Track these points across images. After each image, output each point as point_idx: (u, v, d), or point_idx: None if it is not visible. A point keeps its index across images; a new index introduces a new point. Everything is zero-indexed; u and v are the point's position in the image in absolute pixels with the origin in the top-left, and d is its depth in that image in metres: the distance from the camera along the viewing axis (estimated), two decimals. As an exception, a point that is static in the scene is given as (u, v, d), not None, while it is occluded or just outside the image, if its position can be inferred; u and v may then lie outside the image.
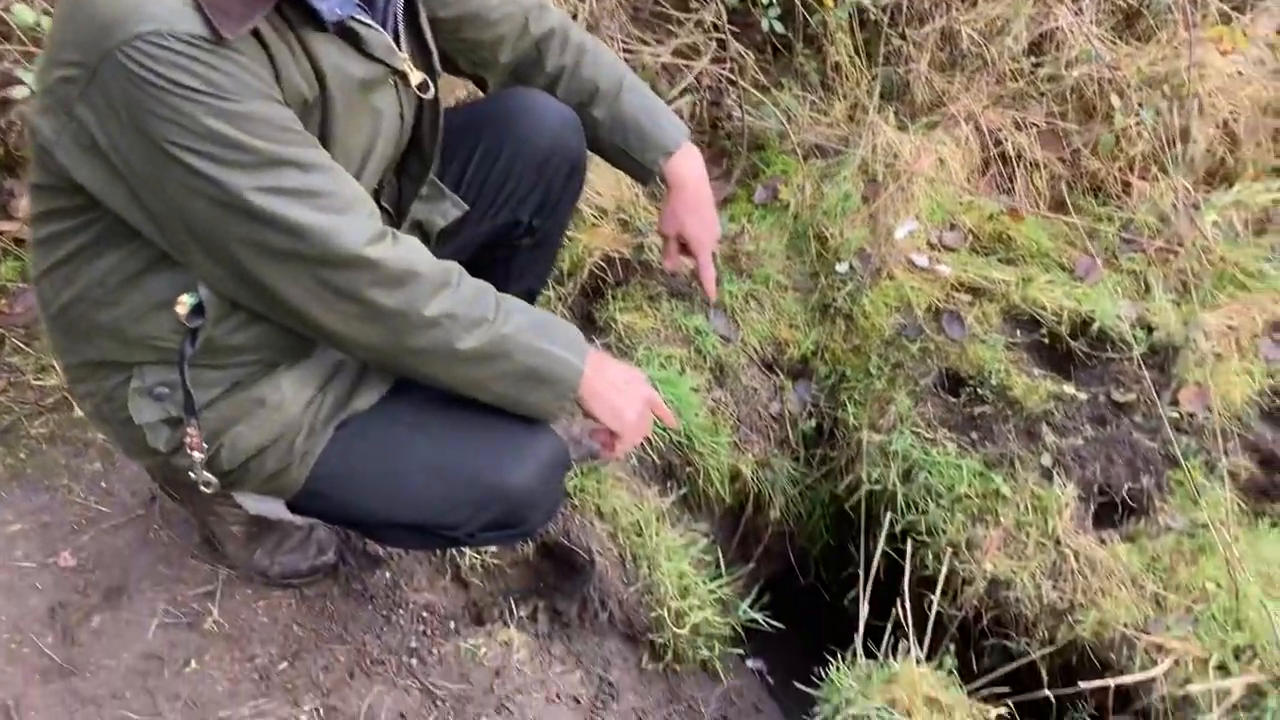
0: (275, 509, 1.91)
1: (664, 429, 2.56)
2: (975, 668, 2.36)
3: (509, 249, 2.02)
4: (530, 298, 2.18)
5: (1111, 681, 1.98)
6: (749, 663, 2.92)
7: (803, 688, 2.15)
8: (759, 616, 2.48)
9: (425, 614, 2.12)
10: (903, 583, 2.48)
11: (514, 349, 1.57)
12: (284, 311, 1.46)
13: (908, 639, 2.07)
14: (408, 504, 1.68)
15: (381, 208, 1.69)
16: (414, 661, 2.03)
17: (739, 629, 2.55)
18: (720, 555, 2.67)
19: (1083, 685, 1.98)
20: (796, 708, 2.40)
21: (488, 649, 2.08)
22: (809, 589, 2.94)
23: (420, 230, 1.80)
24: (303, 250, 1.37)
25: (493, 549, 2.23)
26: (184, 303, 1.47)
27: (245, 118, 1.29)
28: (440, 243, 1.88)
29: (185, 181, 1.30)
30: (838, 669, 2.06)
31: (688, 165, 2.09)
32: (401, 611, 2.11)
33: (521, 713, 1.98)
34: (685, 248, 2.23)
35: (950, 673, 2.13)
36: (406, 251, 1.47)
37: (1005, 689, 2.18)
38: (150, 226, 1.39)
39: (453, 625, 2.12)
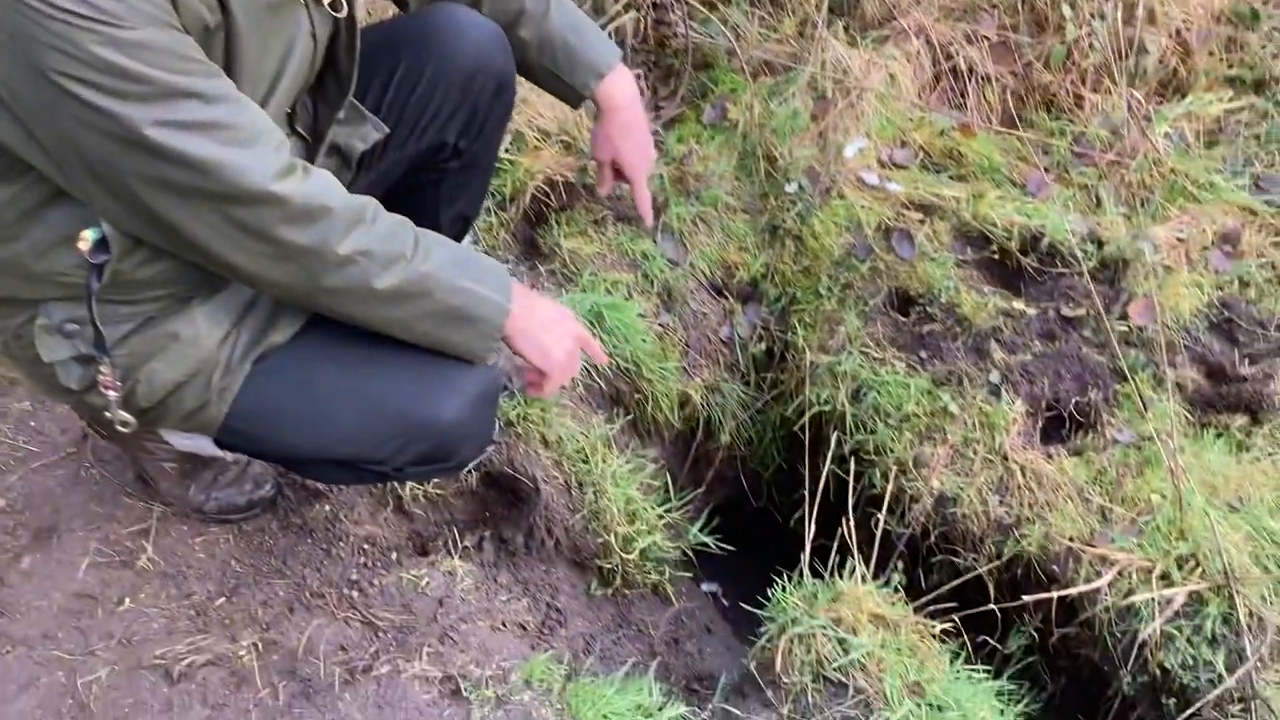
0: (204, 445, 1.87)
1: (611, 355, 2.52)
2: (924, 584, 2.37)
3: (437, 172, 1.96)
4: (465, 223, 2.13)
5: (1054, 594, 1.99)
6: (703, 586, 2.93)
7: (752, 610, 2.16)
8: (709, 540, 2.47)
9: (366, 546, 2.09)
10: (844, 502, 2.48)
11: (435, 287, 1.52)
12: (190, 249, 1.39)
13: (854, 558, 2.07)
14: (333, 439, 1.64)
15: (296, 133, 1.62)
16: (355, 593, 2.00)
17: (691, 553, 2.55)
18: (670, 480, 2.65)
19: (1026, 599, 1.99)
20: (749, 628, 2.41)
21: (431, 579, 2.05)
22: (762, 512, 2.94)
23: (340, 155, 1.73)
24: (206, 187, 1.30)
25: (435, 480, 2.20)
26: (86, 238, 1.39)
27: (139, 46, 1.20)
28: (363, 168, 1.82)
29: (78, 115, 1.22)
30: (783, 589, 2.05)
31: (620, 87, 2.02)
32: (342, 544, 2.08)
33: (465, 641, 1.96)
34: (621, 173, 2.17)
35: (897, 589, 2.13)
36: (318, 186, 1.40)
37: (953, 605, 2.19)
38: (45, 162, 1.31)
39: (395, 556, 2.09)
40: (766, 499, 2.90)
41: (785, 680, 1.93)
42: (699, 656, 2.37)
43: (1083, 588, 2.03)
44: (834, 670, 1.91)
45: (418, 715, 1.76)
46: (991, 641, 2.16)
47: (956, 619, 2.06)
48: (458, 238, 2.12)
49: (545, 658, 1.91)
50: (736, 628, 2.89)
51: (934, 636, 2.01)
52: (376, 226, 1.47)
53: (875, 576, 2.17)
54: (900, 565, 2.31)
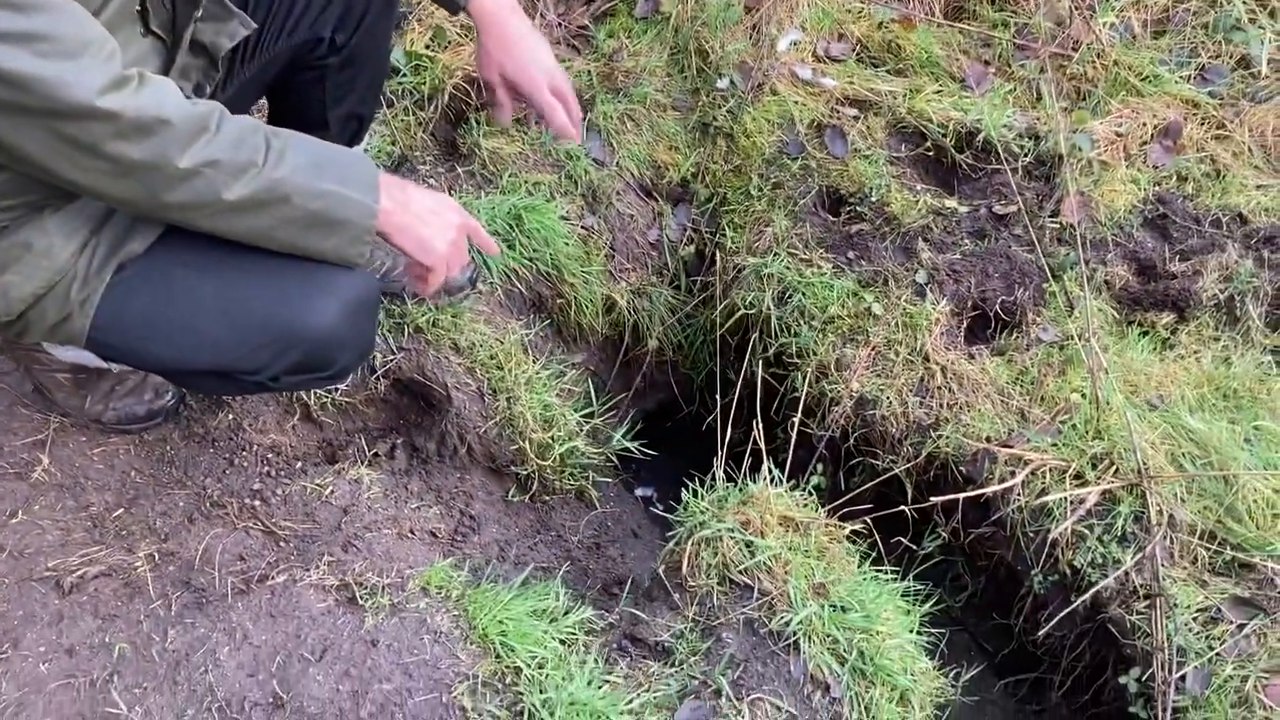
0: (88, 357, 1.82)
1: (531, 259, 2.46)
2: (845, 487, 2.35)
3: (317, 70, 1.87)
4: (359, 122, 2.05)
5: (962, 495, 1.97)
6: (637, 491, 2.92)
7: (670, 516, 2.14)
8: (632, 446, 2.44)
9: (271, 455, 2.06)
10: (769, 406, 2.45)
11: (292, 193, 1.44)
12: (29, 165, 1.31)
13: (766, 461, 2.04)
14: (199, 350, 1.57)
15: (152, 33, 1.53)
16: (257, 503, 1.97)
17: (623, 459, 2.53)
18: (594, 386, 2.62)
19: (935, 499, 1.97)
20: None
21: (336, 488, 2.03)
22: (695, 417, 2.91)
23: (205, 55, 1.64)
24: (28, 103, 1.22)
25: (340, 388, 2.15)
26: None
27: None
28: (234, 68, 1.73)
29: None
30: (694, 493, 2.03)
31: None
32: (245, 454, 2.05)
33: (369, 549, 1.94)
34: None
35: (815, 491, 2.12)
36: (153, 98, 1.31)
37: (871, 507, 2.18)
38: None
39: (300, 466, 2.06)
40: (698, 404, 2.88)
41: (692, 583, 1.92)
42: (620, 560, 2.36)
43: (993, 488, 2.01)
44: (739, 573, 1.89)
45: (310, 623, 1.74)
46: (905, 542, 2.15)
47: (869, 520, 2.04)
48: (352, 138, 2.04)
49: (445, 564, 1.89)
50: (664, 530, 2.89)
51: (844, 539, 1.99)
52: (222, 134, 1.38)
53: (795, 480, 2.16)
54: (821, 468, 2.29)
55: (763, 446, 2.04)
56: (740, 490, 2.02)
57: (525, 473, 2.24)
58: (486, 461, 2.22)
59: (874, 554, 2.04)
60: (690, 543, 1.94)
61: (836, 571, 1.92)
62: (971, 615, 2.35)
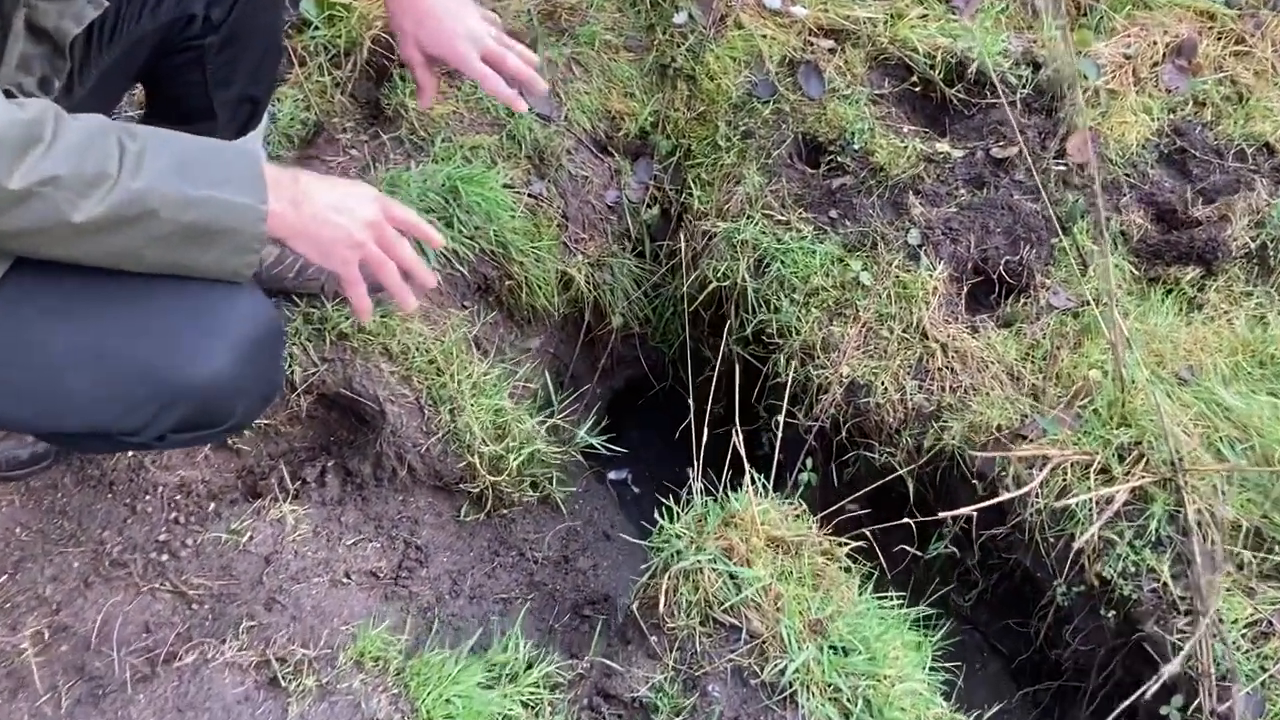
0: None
1: (473, 237, 2.17)
2: (836, 482, 2.11)
3: (193, 51, 1.55)
4: (254, 105, 1.73)
5: (973, 509, 1.72)
6: (610, 475, 2.66)
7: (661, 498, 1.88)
8: (596, 442, 2.17)
9: (179, 498, 1.79)
10: (750, 392, 2.19)
11: (159, 205, 1.16)
12: None
13: (749, 471, 1.78)
14: (67, 409, 1.30)
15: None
16: (164, 558, 1.71)
17: (582, 452, 2.27)
18: (554, 371, 2.35)
19: (944, 514, 1.72)
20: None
21: (256, 531, 1.76)
22: (669, 391, 2.65)
23: (49, 40, 1.32)
24: None
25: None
26: None
27: None
28: (91, 54, 1.42)
29: None
30: (668, 517, 1.77)
31: None
32: (149, 498, 1.77)
33: (297, 604, 1.68)
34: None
35: (806, 488, 1.87)
36: None
37: (866, 509, 1.93)
38: None
39: (213, 508, 1.79)
40: (670, 378, 2.61)
41: (670, 624, 1.67)
42: (593, 574, 2.11)
43: (1008, 495, 1.76)
44: (724, 611, 1.65)
45: (224, 715, 1.48)
46: (911, 550, 1.91)
47: (869, 533, 1.79)
48: (245, 125, 1.73)
49: (382, 629, 1.63)
50: (646, 518, 2.65)
51: (839, 559, 1.75)
52: (60, 143, 1.10)
53: (779, 480, 1.91)
54: (810, 463, 2.04)
55: (743, 453, 1.78)
56: (721, 508, 1.77)
57: (477, 490, 1.97)
58: (432, 480, 1.96)
59: (874, 570, 1.80)
60: (667, 576, 1.69)
61: (834, 601, 1.67)
62: (983, 613, 2.12)
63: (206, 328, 1.30)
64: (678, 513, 1.78)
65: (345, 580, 1.77)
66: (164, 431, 1.33)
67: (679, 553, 1.71)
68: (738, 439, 1.78)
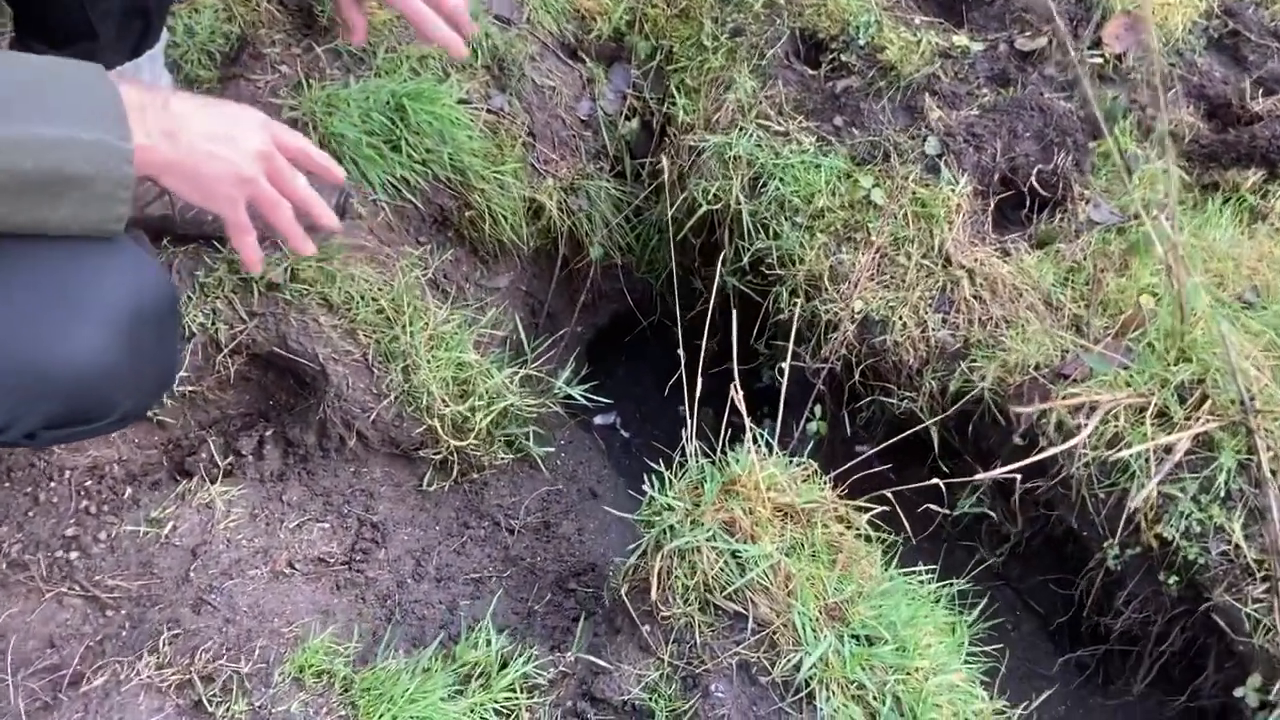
0: None
1: (424, 162, 1.88)
2: (849, 430, 1.86)
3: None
4: (145, 20, 1.43)
5: (1013, 469, 1.47)
6: (596, 420, 2.42)
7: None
8: (576, 393, 1.92)
9: (90, 483, 1.54)
10: (749, 332, 1.93)
11: None
12: None
13: (750, 428, 1.53)
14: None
15: None
16: (73, 556, 1.46)
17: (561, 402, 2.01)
18: (526, 312, 2.09)
19: (981, 476, 1.47)
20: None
21: (181, 519, 1.52)
22: (657, 326, 2.39)
23: None
24: None
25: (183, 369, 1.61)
26: None
27: None
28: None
29: None
30: (659, 485, 1.52)
31: None
32: (54, 485, 1.53)
33: (230, 604, 1.45)
34: None
35: (815, 439, 1.62)
36: None
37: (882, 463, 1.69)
38: None
39: (130, 493, 1.54)
40: (660, 312, 2.34)
41: (665, 612, 1.43)
42: (578, 540, 1.87)
43: (1052, 449, 1.51)
44: (726, 597, 1.41)
45: (138, 753, 1.26)
46: (936, 508, 1.66)
47: (890, 495, 1.55)
48: (138, 43, 1.44)
49: (326, 637, 1.40)
50: (637, 467, 2.41)
51: (858, 527, 1.51)
52: None
53: (785, 431, 1.66)
54: (819, 410, 1.79)
55: (743, 409, 1.53)
56: (720, 471, 1.52)
57: (440, 455, 1.73)
58: (387, 448, 1.71)
59: (897, 537, 1.57)
60: (659, 557, 1.45)
61: (854, 580, 1.44)
62: (1015, 567, 1.90)
63: (73, 303, 1.04)
64: (669, 479, 1.54)
65: (288, 571, 1.53)
66: (33, 429, 1.08)
67: (672, 528, 1.47)
68: (737, 395, 1.52)
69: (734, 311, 1.66)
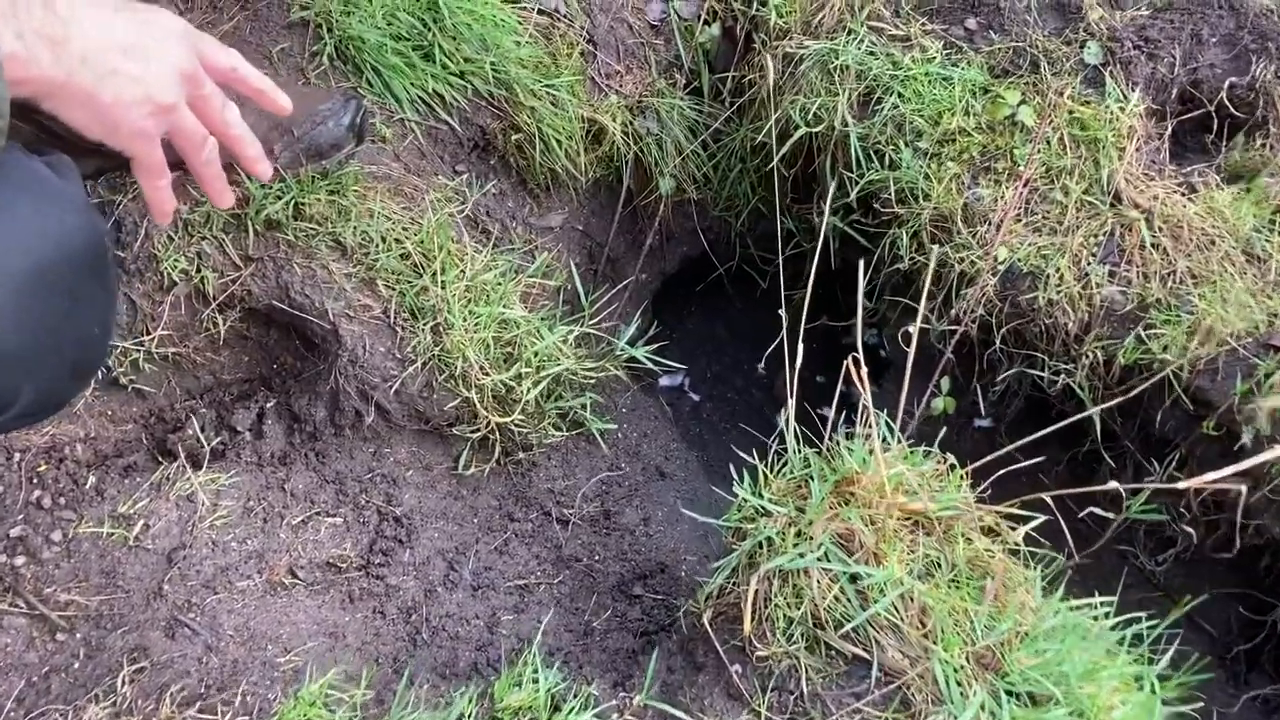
0: None
1: (462, 75, 1.55)
2: (984, 409, 1.52)
3: None
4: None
5: (1227, 475, 1.11)
6: (663, 382, 2.10)
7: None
8: (641, 354, 1.59)
9: (45, 467, 1.24)
10: (854, 283, 1.58)
11: None
12: None
13: (869, 410, 1.19)
14: None
15: None
16: (19, 562, 1.17)
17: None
18: (580, 267, 1.76)
19: (1188, 483, 1.12)
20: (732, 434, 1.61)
21: (155, 516, 1.22)
22: (737, 273, 2.05)
23: None
24: None
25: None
26: None
27: None
28: None
29: None
30: (748, 481, 1.19)
31: None
32: (3, 471, 1.23)
33: (213, 626, 1.15)
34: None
35: (941, 419, 1.28)
36: None
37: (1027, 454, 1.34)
38: None
39: (93, 482, 1.24)
40: (739, 257, 2.00)
41: (760, 650, 1.11)
42: (643, 532, 1.56)
43: (1268, 454, 1.15)
44: (842, 635, 1.09)
45: (77, 841, 0.97)
46: (1101, 513, 1.31)
47: (1049, 499, 1.20)
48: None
49: (326, 682, 1.09)
50: (709, 436, 2.09)
51: (1011, 540, 1.17)
52: None
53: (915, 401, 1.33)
54: (947, 385, 1.45)
55: (865, 388, 1.19)
56: (829, 465, 1.19)
57: (478, 434, 1.41)
58: (415, 424, 1.39)
59: (1056, 550, 1.23)
60: (754, 578, 1.13)
61: (1010, 615, 1.10)
62: (1179, 575, 1.55)
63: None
64: (764, 473, 1.21)
65: (289, 580, 1.23)
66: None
67: (769, 541, 1.14)
68: (857, 373, 1.17)
69: (833, 255, 1.32)
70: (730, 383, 2.18)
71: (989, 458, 1.26)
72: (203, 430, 1.32)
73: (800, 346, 1.28)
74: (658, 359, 1.60)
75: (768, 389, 2.14)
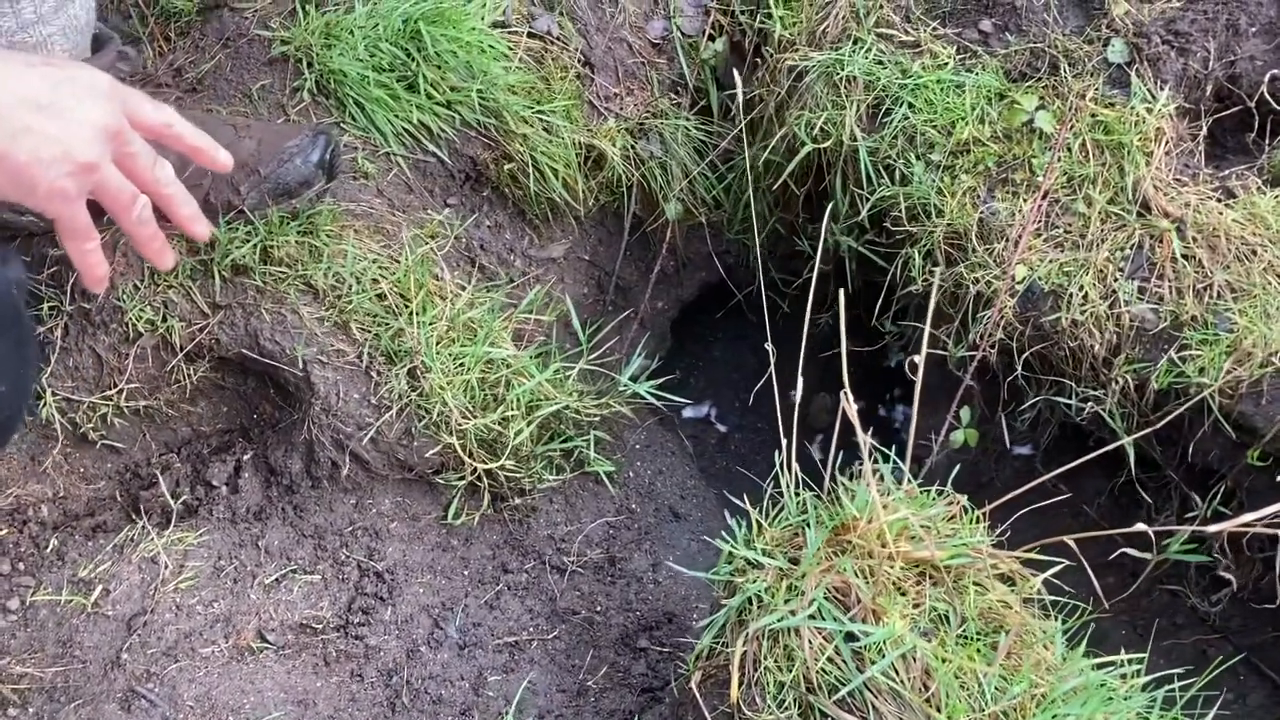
0: None
1: (449, 105, 1.48)
2: (1009, 440, 1.40)
3: None
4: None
5: (1233, 525, 0.98)
6: (686, 413, 2.01)
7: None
8: (645, 391, 1.50)
9: (5, 530, 1.20)
10: (871, 303, 1.49)
11: None
12: None
13: (867, 449, 1.09)
14: None
15: None
16: (-25, 632, 1.13)
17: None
18: (585, 297, 1.68)
19: (1213, 527, 0.99)
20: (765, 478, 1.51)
21: (117, 581, 1.16)
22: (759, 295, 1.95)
23: None
24: None
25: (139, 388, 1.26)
26: None
27: None
28: None
29: None
30: (739, 535, 1.10)
31: None
32: (-39, 535, 1.19)
33: (173, 695, 1.09)
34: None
35: (963, 451, 1.18)
36: None
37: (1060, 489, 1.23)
38: None
39: (54, 544, 1.19)
40: (762, 281, 1.90)
41: (749, 717, 1.02)
42: (651, 580, 1.46)
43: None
44: (837, 701, 0.98)
45: None
46: (1135, 553, 1.19)
47: (1071, 542, 1.09)
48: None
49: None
50: (735, 471, 1.99)
51: (1028, 588, 1.06)
52: None
53: (920, 444, 1.23)
54: (967, 415, 1.34)
55: (858, 427, 1.08)
56: (829, 512, 1.09)
57: (463, 481, 1.33)
58: (397, 472, 1.32)
59: (1078, 596, 1.11)
60: (742, 638, 1.03)
61: (1024, 674, 0.99)
62: (1237, 615, 1.41)
63: None
64: (758, 522, 1.11)
65: (256, 645, 1.17)
66: None
67: (759, 598, 1.05)
68: (849, 405, 1.07)
69: (848, 274, 1.22)
70: (760, 411, 2.08)
71: (1020, 490, 1.16)
72: (176, 487, 1.27)
73: (800, 379, 1.19)
74: (663, 394, 1.51)
75: (802, 417, 2.04)
